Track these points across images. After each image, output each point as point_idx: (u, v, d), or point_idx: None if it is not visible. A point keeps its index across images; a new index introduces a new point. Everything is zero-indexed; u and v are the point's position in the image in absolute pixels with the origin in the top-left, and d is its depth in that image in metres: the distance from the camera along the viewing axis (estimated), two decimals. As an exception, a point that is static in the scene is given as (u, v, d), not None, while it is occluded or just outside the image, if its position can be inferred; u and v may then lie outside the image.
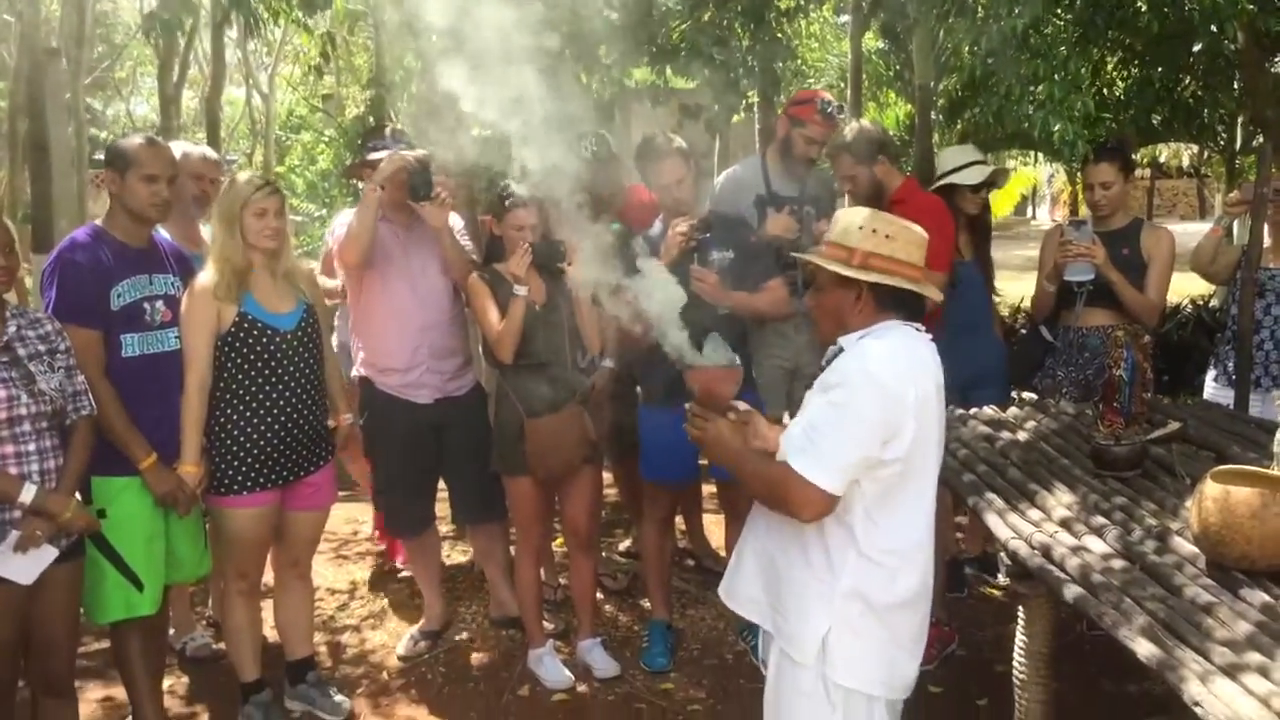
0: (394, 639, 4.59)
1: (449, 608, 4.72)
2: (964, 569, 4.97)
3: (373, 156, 4.11)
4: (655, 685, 4.19)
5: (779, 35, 6.32)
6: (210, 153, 4.41)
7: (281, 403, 3.66)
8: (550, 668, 4.21)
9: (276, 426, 3.65)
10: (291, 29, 10.55)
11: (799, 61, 11.37)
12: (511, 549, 4.65)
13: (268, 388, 3.63)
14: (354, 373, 4.31)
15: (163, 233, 3.76)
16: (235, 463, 3.62)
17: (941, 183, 4.64)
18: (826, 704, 2.49)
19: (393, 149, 4.05)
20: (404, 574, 5.15)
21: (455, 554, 5.40)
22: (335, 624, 4.78)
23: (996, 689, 3.68)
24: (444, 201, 4.03)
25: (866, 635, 2.47)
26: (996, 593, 4.84)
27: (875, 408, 2.36)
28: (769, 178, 4.61)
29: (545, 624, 4.41)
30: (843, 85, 10.99)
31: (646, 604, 4.67)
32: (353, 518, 5.85)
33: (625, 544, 5.47)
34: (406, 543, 4.66)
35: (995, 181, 4.71)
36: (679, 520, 5.00)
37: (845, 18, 10.11)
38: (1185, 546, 2.67)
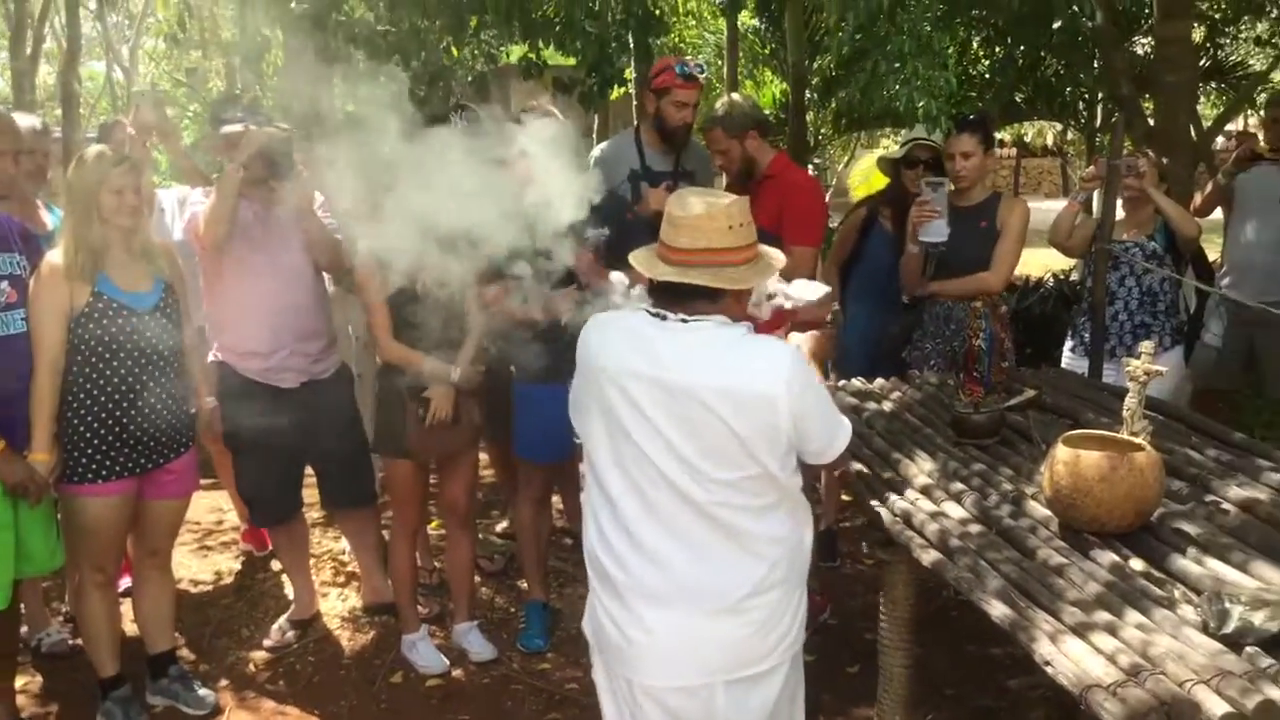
0: (261, 630, 4.46)
1: (318, 596, 4.62)
2: (836, 539, 5.05)
3: (226, 130, 3.95)
4: (532, 666, 4.16)
5: (654, 10, 6.31)
6: (39, 123, 4.20)
7: (139, 386, 3.53)
8: (425, 653, 4.15)
9: (133, 411, 3.53)
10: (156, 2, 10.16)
11: (675, 38, 11.38)
12: (385, 533, 4.57)
13: (124, 371, 3.50)
14: (210, 357, 4.15)
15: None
16: (89, 450, 3.48)
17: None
18: None
19: (248, 122, 3.90)
20: (272, 563, 5.01)
21: (325, 540, 5.28)
22: (199, 616, 4.62)
23: (868, 656, 3.75)
24: (307, 179, 3.90)
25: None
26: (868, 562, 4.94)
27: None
28: (643, 153, 4.59)
29: (420, 608, 4.34)
30: (720, 63, 11.07)
31: (524, 585, 4.63)
32: (217, 506, 5.67)
33: (502, 525, 5.42)
34: (273, 532, 4.53)
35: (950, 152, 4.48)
36: (557, 499, 4.97)
37: (721, -5, 10.14)
38: (1039, 510, 2.74)
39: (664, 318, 2.37)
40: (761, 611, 2.41)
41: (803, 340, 2.78)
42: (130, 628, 4.07)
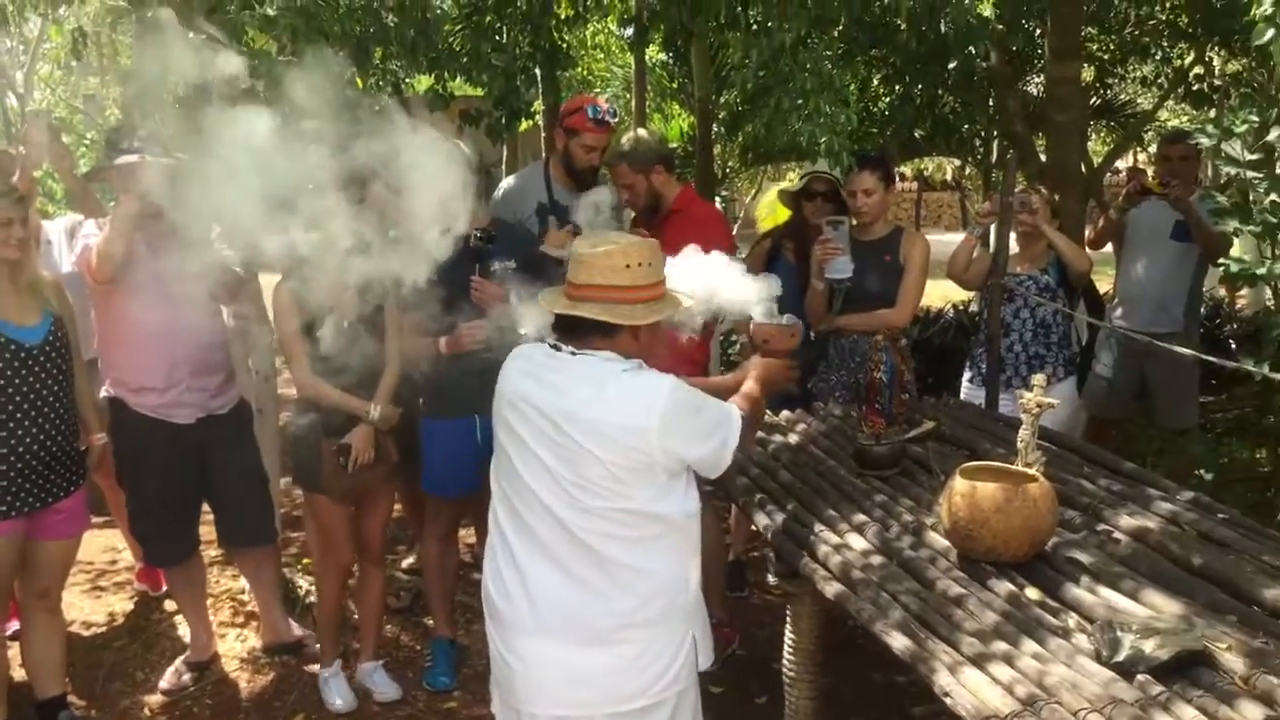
0: (157, 673, 4.32)
1: (216, 637, 4.50)
2: (745, 570, 5.08)
3: (120, 162, 3.83)
4: (438, 705, 4.10)
5: (560, 43, 6.33)
6: None
7: (26, 423, 3.44)
8: (337, 689, 4.07)
9: (21, 449, 3.43)
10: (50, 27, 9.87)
11: (583, 70, 11.44)
12: (285, 570, 4.46)
13: (11, 407, 3.40)
14: (103, 393, 4.02)
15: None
16: (-27, 489, 3.35)
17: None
18: None
19: (144, 152, 3.80)
20: (167, 603, 4.86)
21: (224, 579, 5.14)
22: (92, 659, 4.46)
23: (775, 687, 3.76)
24: (204, 210, 3.81)
25: None
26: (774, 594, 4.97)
27: None
28: (550, 186, 4.59)
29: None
30: (628, 96, 11.14)
31: (430, 622, 4.56)
32: (111, 545, 5.49)
33: (408, 561, 5.33)
34: (169, 571, 4.39)
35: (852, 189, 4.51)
36: (465, 533, 4.91)
37: (629, 30, 10.23)
38: (939, 541, 2.79)
39: (559, 349, 2.47)
40: (633, 646, 2.45)
41: (760, 366, 2.84)
42: (19, 673, 3.94)
